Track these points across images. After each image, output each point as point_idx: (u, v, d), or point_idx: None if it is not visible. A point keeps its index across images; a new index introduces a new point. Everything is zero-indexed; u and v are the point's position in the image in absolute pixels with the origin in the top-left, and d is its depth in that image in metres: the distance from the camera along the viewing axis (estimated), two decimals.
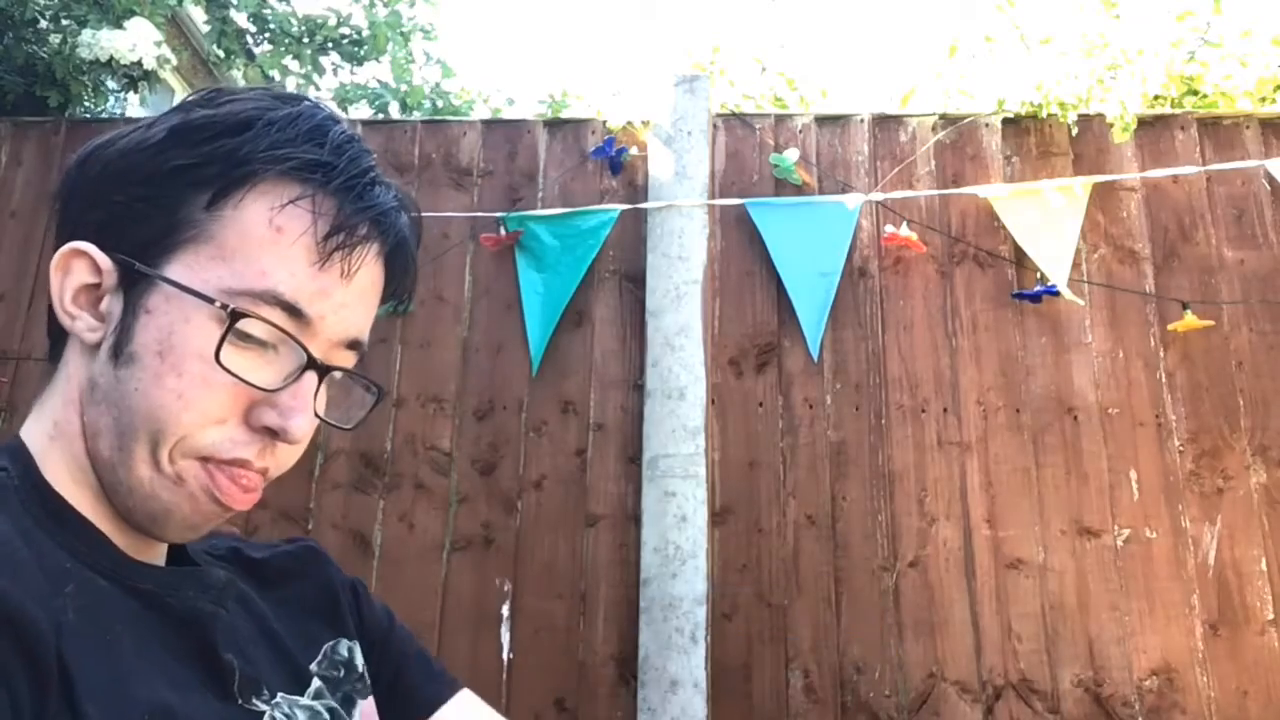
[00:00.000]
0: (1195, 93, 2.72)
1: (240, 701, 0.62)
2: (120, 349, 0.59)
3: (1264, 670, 1.98)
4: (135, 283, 0.60)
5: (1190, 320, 2.13)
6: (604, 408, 2.24)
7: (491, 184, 2.42)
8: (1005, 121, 2.37)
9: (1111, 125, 2.29)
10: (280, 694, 0.66)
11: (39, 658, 0.49)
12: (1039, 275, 2.21)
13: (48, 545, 0.55)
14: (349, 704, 0.74)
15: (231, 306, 0.58)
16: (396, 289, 0.69)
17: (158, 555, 0.66)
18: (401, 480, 2.22)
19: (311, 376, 0.62)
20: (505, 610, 2.11)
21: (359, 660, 0.77)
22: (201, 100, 0.63)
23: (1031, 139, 2.36)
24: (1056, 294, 2.17)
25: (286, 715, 0.65)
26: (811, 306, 2.23)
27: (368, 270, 0.65)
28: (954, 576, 2.07)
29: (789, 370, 2.23)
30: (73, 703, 0.51)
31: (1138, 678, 1.99)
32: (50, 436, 0.61)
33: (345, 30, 4.56)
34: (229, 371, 0.59)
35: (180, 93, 6.16)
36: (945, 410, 2.18)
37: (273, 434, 0.61)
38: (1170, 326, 2.16)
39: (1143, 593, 2.04)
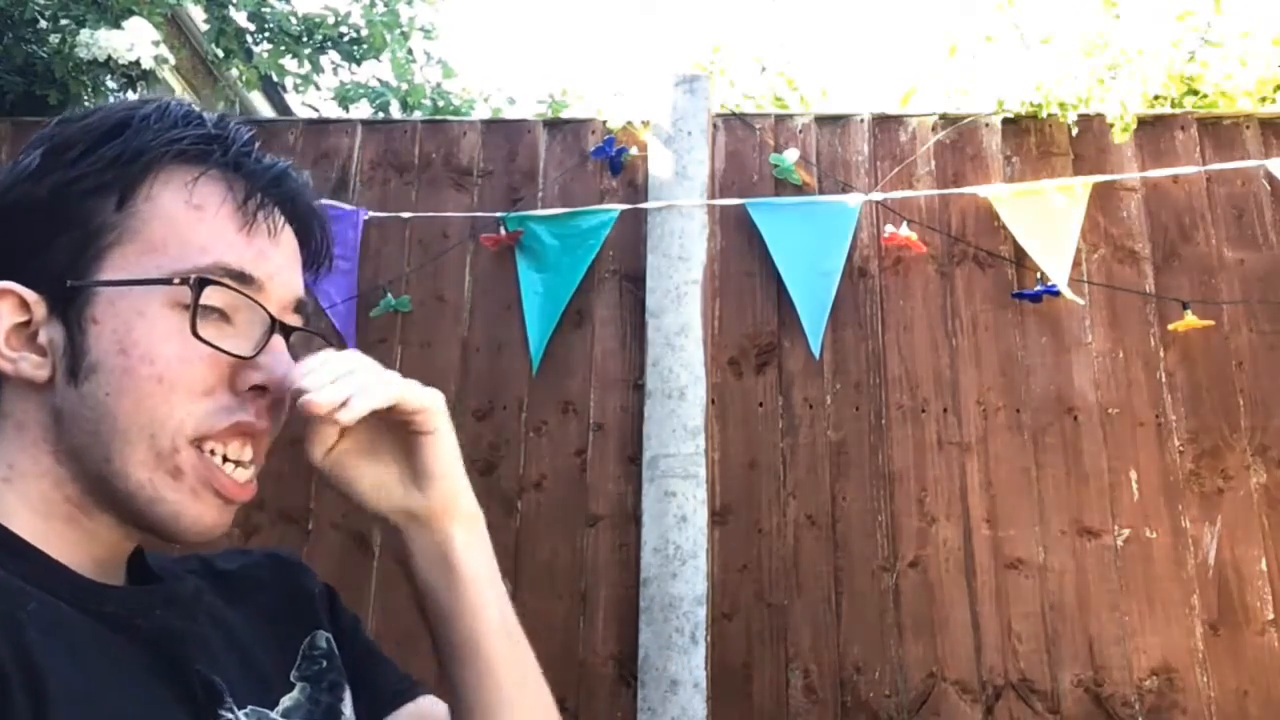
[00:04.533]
0: (1195, 93, 2.72)
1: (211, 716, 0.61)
2: (76, 368, 0.58)
3: (1264, 670, 1.98)
4: (70, 303, 0.59)
5: (1190, 320, 2.12)
6: (604, 408, 2.23)
7: (491, 184, 2.42)
8: (1005, 121, 2.37)
9: (1111, 125, 2.29)
10: (251, 706, 0.65)
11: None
12: (1039, 275, 2.21)
13: (0, 575, 0.54)
14: (337, 690, 0.74)
15: (193, 277, 0.58)
16: (314, 249, 0.70)
17: (123, 577, 0.65)
18: None
19: (279, 337, 0.63)
20: None
21: (336, 649, 0.77)
22: (63, 121, 0.63)
23: (1031, 139, 2.36)
24: (1057, 294, 2.17)
25: None
26: (812, 306, 2.22)
27: (288, 231, 0.66)
28: (954, 576, 2.07)
29: (789, 370, 2.22)
30: (43, 703, 0.50)
31: (1138, 678, 1.99)
32: (5, 480, 0.59)
33: (343, 29, 4.56)
34: (206, 342, 0.58)
35: (179, 92, 6.15)
36: (945, 410, 2.18)
37: (262, 390, 0.61)
38: (1170, 326, 2.16)
39: (1143, 593, 2.04)
